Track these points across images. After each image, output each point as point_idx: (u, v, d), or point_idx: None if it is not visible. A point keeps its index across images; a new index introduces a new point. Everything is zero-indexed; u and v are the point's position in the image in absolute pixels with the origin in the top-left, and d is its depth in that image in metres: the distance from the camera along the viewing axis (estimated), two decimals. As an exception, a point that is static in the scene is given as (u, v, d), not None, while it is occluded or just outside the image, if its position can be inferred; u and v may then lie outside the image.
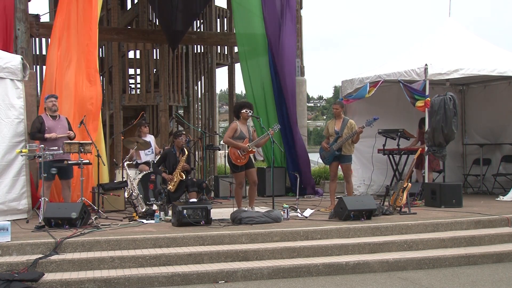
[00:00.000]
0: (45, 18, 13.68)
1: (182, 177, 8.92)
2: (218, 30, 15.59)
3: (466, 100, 12.14)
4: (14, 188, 7.94)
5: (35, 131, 8.06)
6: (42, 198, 7.52)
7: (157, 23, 14.40)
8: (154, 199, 9.02)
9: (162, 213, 8.01)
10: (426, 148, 9.38)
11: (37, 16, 12.82)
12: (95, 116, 9.13)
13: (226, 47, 16.13)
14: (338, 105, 9.04)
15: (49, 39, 13.68)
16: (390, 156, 10.10)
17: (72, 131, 8.34)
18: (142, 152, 10.24)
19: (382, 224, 7.23)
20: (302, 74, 12.34)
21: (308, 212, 8.14)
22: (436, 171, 10.24)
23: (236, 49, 15.66)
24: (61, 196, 8.63)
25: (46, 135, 8.01)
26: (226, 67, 16.52)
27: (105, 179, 9.35)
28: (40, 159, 7.48)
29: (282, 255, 6.34)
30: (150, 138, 10.54)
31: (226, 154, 8.60)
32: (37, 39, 13.47)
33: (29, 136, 8.16)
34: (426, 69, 9.38)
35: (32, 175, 8.53)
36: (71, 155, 8.19)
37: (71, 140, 8.14)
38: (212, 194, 11.48)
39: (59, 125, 8.22)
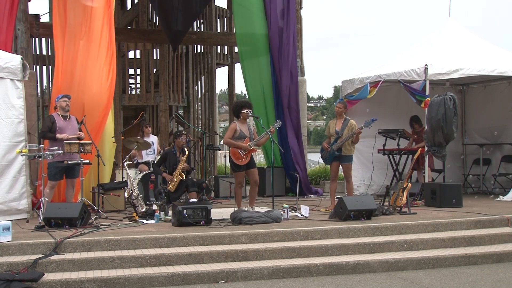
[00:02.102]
0: (45, 18, 13.69)
1: (182, 177, 8.92)
2: (218, 30, 15.60)
3: (466, 100, 12.14)
4: (14, 188, 7.93)
5: (46, 130, 8.04)
6: (42, 198, 7.52)
7: (157, 23, 14.41)
8: (154, 199, 9.02)
9: (162, 213, 8.01)
10: (426, 148, 9.38)
11: (37, 16, 12.82)
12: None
13: (226, 47, 16.13)
14: (341, 105, 9.04)
15: (49, 39, 13.79)
16: (390, 156, 10.10)
17: (82, 131, 8.35)
18: (143, 152, 10.27)
19: (382, 224, 7.23)
20: (302, 74, 12.35)
21: (304, 210, 8.07)
22: (433, 170, 10.24)
23: (236, 49, 15.68)
24: (62, 195, 8.62)
25: (58, 136, 8.00)
26: (226, 67, 16.53)
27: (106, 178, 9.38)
28: (40, 159, 7.49)
29: (282, 255, 6.34)
30: (153, 138, 10.59)
31: (227, 154, 8.60)
32: (37, 39, 13.48)
33: (40, 134, 8.15)
34: (426, 69, 9.37)
35: (32, 175, 8.53)
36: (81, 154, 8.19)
37: (80, 141, 8.15)
38: (212, 194, 11.49)
39: (69, 125, 8.22)
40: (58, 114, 8.20)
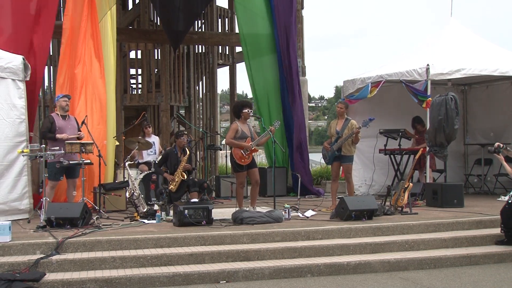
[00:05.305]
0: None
1: (184, 177, 8.93)
2: (219, 30, 15.60)
3: (468, 100, 12.13)
4: (16, 188, 7.94)
5: (46, 130, 8.07)
6: (44, 198, 7.53)
7: (159, 23, 14.41)
8: (155, 199, 9.02)
9: (163, 213, 8.02)
10: (427, 148, 9.37)
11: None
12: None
13: (227, 47, 16.12)
14: (342, 104, 9.02)
15: (50, 40, 13.78)
16: (392, 156, 10.09)
17: (81, 131, 8.35)
18: (144, 152, 10.28)
19: (384, 224, 7.22)
20: (303, 74, 12.36)
21: (309, 213, 8.12)
22: (433, 170, 10.24)
23: (237, 49, 15.69)
24: (64, 195, 8.62)
25: (58, 136, 8.01)
26: (228, 67, 16.51)
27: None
28: (42, 159, 7.50)
29: (283, 255, 6.34)
30: (154, 138, 10.59)
31: (228, 154, 8.60)
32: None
33: (40, 135, 8.19)
34: (428, 69, 9.37)
35: (34, 175, 8.53)
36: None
37: (80, 140, 8.15)
38: (214, 194, 11.48)
39: (69, 125, 8.24)
40: (58, 114, 8.21)
